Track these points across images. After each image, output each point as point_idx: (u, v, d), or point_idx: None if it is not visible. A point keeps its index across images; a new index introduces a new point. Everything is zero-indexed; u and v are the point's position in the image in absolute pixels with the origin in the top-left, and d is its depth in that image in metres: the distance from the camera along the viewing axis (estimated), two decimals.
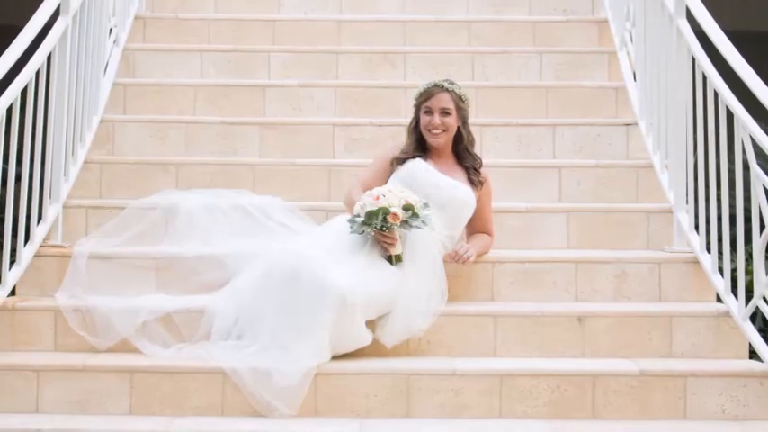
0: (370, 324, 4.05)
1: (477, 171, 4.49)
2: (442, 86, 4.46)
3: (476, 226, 4.49)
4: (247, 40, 6.13)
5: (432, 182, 4.38)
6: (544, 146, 5.39)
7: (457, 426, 3.78)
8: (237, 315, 4.07)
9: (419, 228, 4.14)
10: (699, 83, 4.43)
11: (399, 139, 4.67)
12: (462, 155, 4.52)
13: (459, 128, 4.49)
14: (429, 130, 4.46)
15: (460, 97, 4.46)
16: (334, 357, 3.96)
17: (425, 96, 4.47)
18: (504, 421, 3.86)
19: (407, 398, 3.90)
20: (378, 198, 4.14)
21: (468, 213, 4.44)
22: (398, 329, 4.07)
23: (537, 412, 3.89)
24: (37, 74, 4.35)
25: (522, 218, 4.81)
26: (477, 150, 4.58)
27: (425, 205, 4.20)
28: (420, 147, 4.50)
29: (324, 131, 5.41)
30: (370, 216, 4.11)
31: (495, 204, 4.60)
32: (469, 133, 4.54)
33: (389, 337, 4.06)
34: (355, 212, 4.17)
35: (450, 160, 4.52)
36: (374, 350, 4.04)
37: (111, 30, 5.62)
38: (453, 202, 4.38)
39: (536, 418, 3.87)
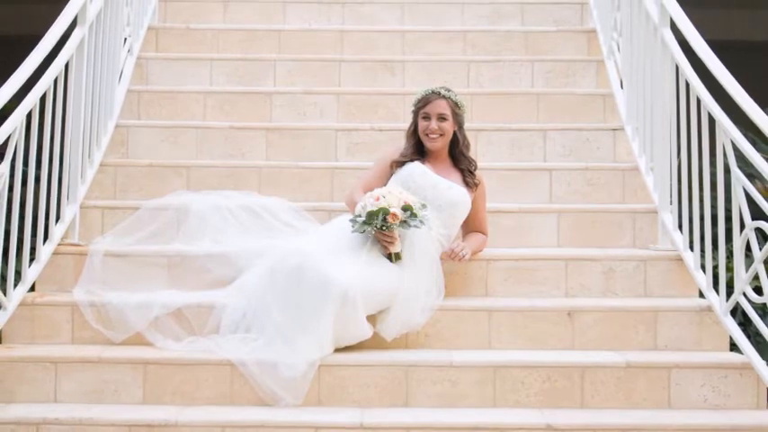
0: (371, 318, 4.05)
1: (472, 173, 4.50)
2: (440, 93, 4.46)
3: (471, 226, 4.49)
4: (254, 49, 6.13)
5: (429, 183, 4.38)
6: (535, 149, 5.39)
7: (453, 414, 3.78)
8: (245, 310, 4.07)
9: (417, 227, 4.14)
10: (682, 90, 4.43)
11: (399, 143, 4.67)
12: (458, 158, 4.52)
13: (455, 132, 4.49)
14: (427, 135, 4.46)
15: (456, 103, 4.47)
16: (337, 350, 3.96)
17: (423, 102, 4.47)
18: (498, 410, 3.86)
19: (406, 388, 3.90)
20: (378, 199, 4.14)
21: (463, 213, 4.44)
22: (398, 324, 4.07)
23: (529, 401, 3.90)
24: (55, 81, 4.35)
25: (515, 218, 4.81)
26: (472, 154, 4.58)
27: (423, 206, 4.20)
28: (418, 150, 4.51)
29: (327, 135, 5.40)
30: (371, 216, 4.11)
31: (489, 205, 4.60)
32: (465, 137, 4.54)
33: (389, 331, 4.07)
34: (357, 212, 4.17)
35: (446, 163, 4.52)
36: (375, 343, 4.04)
37: (125, 39, 5.62)
38: (449, 202, 4.38)
39: (528, 407, 3.88)
